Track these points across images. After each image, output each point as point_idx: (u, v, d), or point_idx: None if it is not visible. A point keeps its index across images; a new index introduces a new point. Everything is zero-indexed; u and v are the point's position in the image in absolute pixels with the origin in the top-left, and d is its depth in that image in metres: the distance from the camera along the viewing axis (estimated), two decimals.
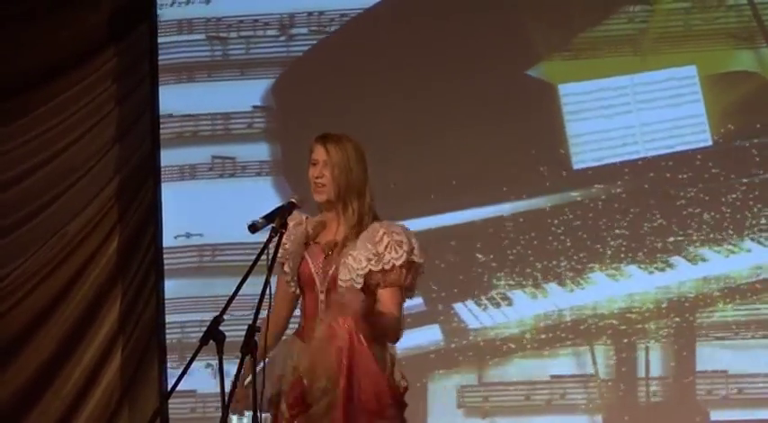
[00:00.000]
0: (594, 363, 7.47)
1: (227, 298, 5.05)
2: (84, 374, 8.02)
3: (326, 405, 5.25)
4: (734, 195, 7.38)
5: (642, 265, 7.34)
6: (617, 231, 7.41)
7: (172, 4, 8.15)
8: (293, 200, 5.23)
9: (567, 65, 7.59)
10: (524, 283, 7.45)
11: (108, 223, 8.12)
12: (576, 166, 7.42)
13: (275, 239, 5.17)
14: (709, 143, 7.30)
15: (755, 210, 7.34)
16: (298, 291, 5.35)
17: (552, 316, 7.44)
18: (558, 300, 7.47)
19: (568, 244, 7.40)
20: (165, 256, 7.96)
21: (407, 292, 5.30)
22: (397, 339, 5.32)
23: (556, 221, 7.42)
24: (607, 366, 7.48)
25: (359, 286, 5.17)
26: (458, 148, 7.49)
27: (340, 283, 5.18)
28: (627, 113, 7.39)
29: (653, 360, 7.45)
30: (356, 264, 5.22)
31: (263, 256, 5.17)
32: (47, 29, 8.13)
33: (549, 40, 7.62)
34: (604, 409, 7.42)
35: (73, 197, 8.11)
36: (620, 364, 7.45)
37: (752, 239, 7.34)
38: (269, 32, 8.05)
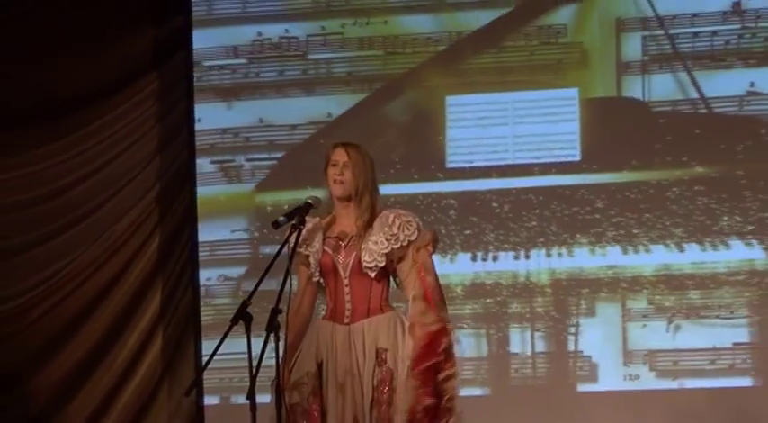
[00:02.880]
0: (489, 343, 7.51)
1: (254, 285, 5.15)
2: (131, 353, 8.11)
3: None
4: (596, 205, 7.43)
5: (506, 255, 7.49)
6: (485, 224, 7.51)
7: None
8: (310, 200, 5.34)
9: (457, 79, 7.64)
10: None
11: (151, 223, 8.19)
12: (449, 165, 7.52)
13: (295, 235, 5.31)
14: (578, 158, 7.36)
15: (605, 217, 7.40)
16: (320, 279, 5.43)
17: None
18: None
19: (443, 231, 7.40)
20: (200, 249, 8.02)
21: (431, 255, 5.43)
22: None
23: (434, 209, 7.52)
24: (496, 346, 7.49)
25: (382, 264, 5.32)
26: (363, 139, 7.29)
27: (365, 264, 5.33)
28: (503, 123, 7.47)
29: (535, 340, 7.54)
30: (377, 246, 5.35)
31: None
32: (98, 55, 8.13)
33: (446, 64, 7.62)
34: (490, 383, 7.48)
35: (121, 200, 8.16)
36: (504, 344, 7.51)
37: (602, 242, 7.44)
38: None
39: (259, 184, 7.89)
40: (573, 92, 7.33)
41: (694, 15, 7.48)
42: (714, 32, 7.45)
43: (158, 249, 8.19)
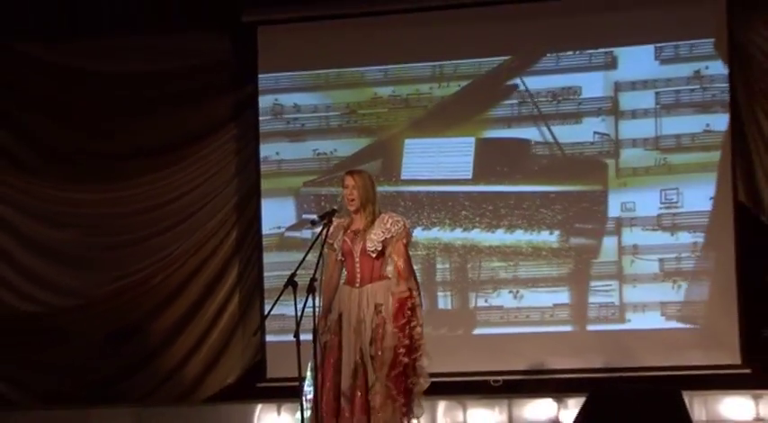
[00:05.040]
0: None
1: (298, 262, 5.46)
2: (217, 308, 8.27)
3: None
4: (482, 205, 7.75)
5: (455, 230, 7.80)
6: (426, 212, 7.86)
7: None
8: (335, 208, 5.76)
9: (411, 130, 7.94)
10: None
11: (230, 222, 8.33)
12: (402, 177, 7.91)
13: (326, 229, 5.62)
14: (470, 177, 7.80)
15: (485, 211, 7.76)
16: (342, 259, 5.70)
17: None
18: None
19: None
20: (263, 239, 8.09)
21: (406, 246, 5.64)
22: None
23: (394, 200, 7.75)
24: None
25: (379, 249, 5.56)
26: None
27: (368, 248, 5.57)
28: (432, 156, 7.89)
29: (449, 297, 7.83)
30: (376, 237, 5.60)
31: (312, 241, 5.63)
32: (195, 112, 8.27)
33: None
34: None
35: (211, 208, 8.32)
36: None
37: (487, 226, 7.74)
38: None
39: (306, 184, 8.03)
40: (471, 139, 7.85)
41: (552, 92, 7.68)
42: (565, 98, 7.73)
43: (235, 240, 8.33)
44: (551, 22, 7.70)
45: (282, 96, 8.11)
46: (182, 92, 8.24)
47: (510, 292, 7.71)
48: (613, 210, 7.59)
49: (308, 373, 5.56)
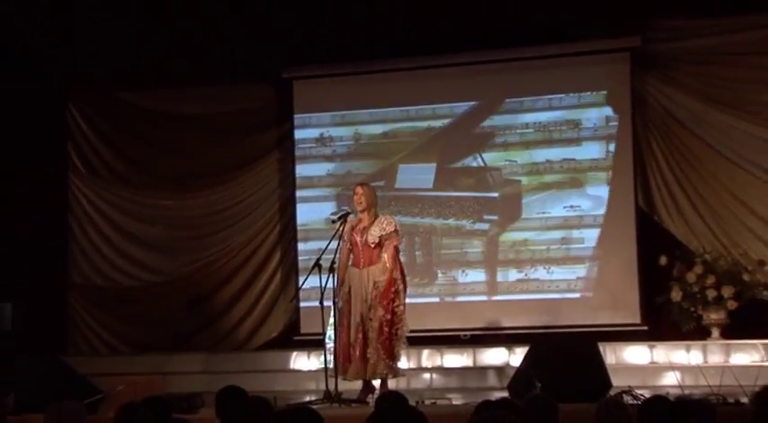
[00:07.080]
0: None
1: (322, 250, 6.10)
2: (265, 282, 8.52)
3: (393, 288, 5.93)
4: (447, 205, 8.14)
5: (417, 217, 8.19)
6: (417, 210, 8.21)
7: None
8: (349, 210, 6.32)
9: (404, 158, 8.31)
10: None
11: (273, 222, 8.62)
12: (395, 187, 8.27)
13: (341, 227, 6.10)
14: (431, 186, 8.21)
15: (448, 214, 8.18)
16: (350, 248, 6.12)
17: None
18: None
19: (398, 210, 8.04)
20: (298, 233, 8.43)
21: (397, 242, 6.06)
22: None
23: (392, 202, 8.12)
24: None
25: (377, 241, 5.95)
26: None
27: (369, 241, 5.96)
28: (412, 174, 8.18)
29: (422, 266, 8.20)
30: (375, 233, 6.03)
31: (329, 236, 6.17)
32: (247, 141, 8.48)
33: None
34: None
35: (258, 213, 8.61)
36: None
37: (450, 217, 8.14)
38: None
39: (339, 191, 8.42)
40: (434, 164, 8.26)
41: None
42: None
43: (278, 234, 8.60)
44: (506, 75, 8.10)
45: (311, 131, 8.40)
46: (239, 127, 8.60)
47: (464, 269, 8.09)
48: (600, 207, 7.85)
49: (329, 330, 5.91)
